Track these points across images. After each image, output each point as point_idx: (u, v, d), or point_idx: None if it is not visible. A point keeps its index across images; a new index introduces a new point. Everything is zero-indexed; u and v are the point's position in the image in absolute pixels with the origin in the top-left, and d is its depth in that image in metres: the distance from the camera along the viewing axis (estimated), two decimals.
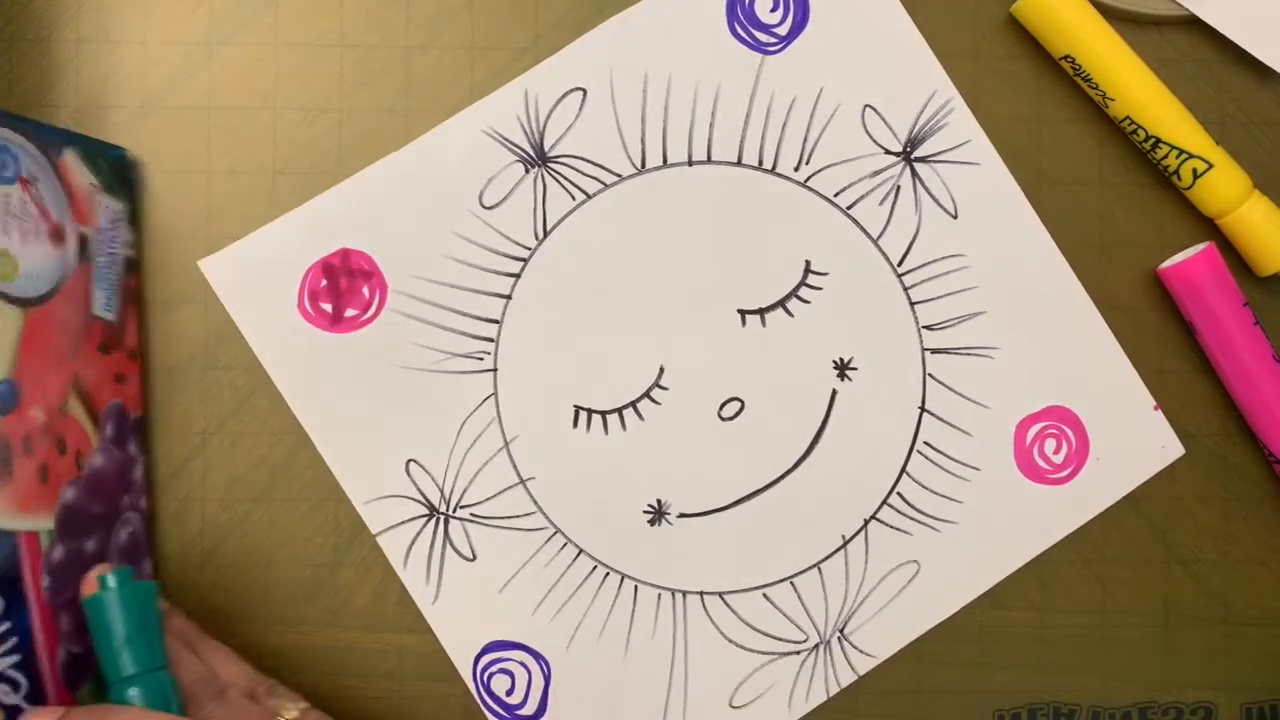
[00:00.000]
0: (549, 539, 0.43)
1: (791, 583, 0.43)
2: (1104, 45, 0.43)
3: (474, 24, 0.44)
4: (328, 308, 0.43)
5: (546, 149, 0.43)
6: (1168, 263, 0.44)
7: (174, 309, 0.43)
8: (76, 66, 0.43)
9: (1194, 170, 0.43)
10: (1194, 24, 0.44)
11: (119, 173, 0.42)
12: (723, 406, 0.43)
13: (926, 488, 0.44)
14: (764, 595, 0.43)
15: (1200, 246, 0.43)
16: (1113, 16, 0.43)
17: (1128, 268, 0.45)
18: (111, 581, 0.35)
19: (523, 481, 0.43)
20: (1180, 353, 0.45)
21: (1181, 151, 0.43)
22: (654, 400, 0.43)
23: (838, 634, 0.43)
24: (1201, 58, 0.44)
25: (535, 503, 0.43)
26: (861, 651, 0.43)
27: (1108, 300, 0.44)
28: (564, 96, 0.43)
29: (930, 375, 0.44)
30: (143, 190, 0.43)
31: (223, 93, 0.44)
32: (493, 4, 0.44)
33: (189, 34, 0.44)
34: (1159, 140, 0.43)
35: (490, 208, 0.43)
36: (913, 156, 0.44)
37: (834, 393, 0.44)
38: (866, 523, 0.44)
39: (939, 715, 0.44)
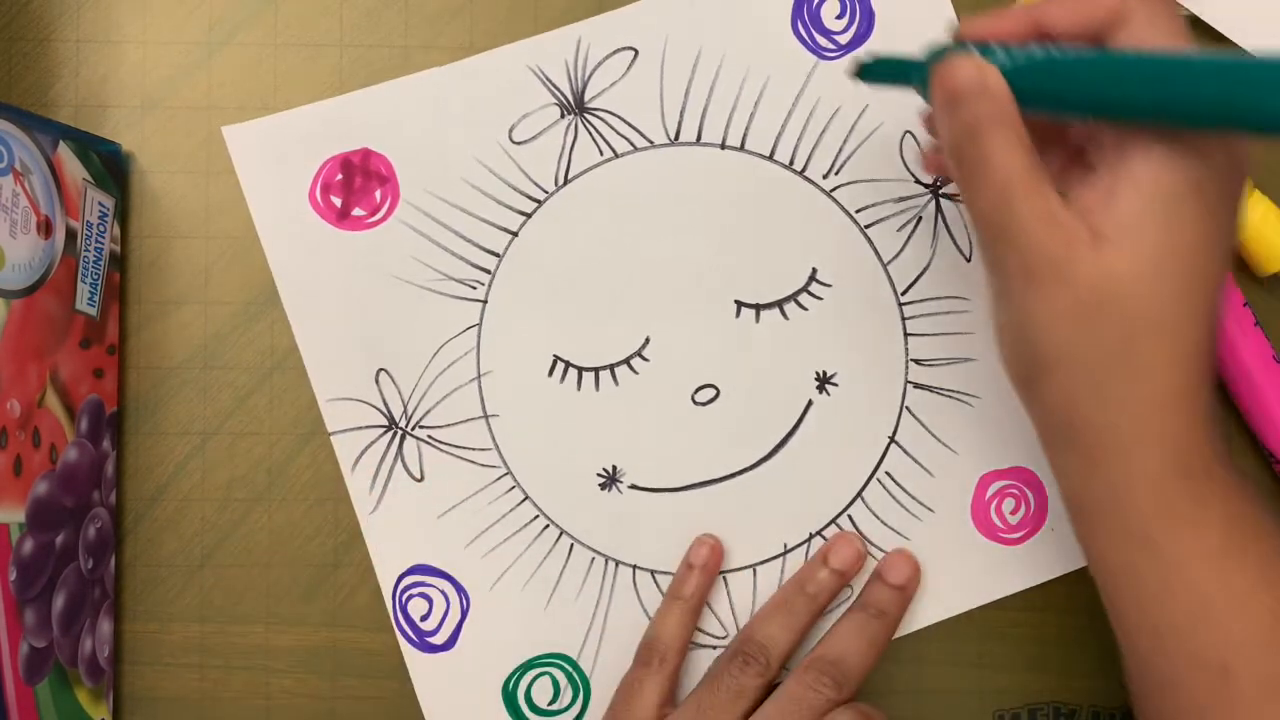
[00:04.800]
0: (498, 478, 0.43)
1: (724, 577, 0.43)
2: None
3: (474, 24, 0.44)
4: (337, 202, 0.43)
5: (586, 99, 0.43)
6: None
7: (174, 309, 0.43)
8: (76, 66, 0.43)
9: None
10: (1194, 24, 0.44)
11: (111, 167, 0.42)
12: (698, 391, 0.43)
13: (878, 517, 0.43)
14: None
15: None
16: None
17: None
18: None
19: (486, 416, 0.43)
20: None
21: None
22: (632, 369, 0.43)
23: None
24: None
25: (494, 440, 0.43)
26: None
27: None
28: (615, 52, 0.43)
29: (907, 408, 0.44)
30: (133, 185, 0.43)
31: (223, 93, 0.44)
32: (492, 4, 0.44)
33: (189, 34, 0.44)
34: None
35: (518, 143, 0.43)
36: (941, 191, 0.44)
37: (809, 403, 0.43)
38: (811, 536, 0.43)
39: (939, 715, 0.44)
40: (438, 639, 0.43)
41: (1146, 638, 0.34)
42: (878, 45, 0.44)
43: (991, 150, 0.31)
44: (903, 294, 0.44)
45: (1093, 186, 0.31)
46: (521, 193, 0.43)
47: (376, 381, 0.43)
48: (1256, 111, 0.28)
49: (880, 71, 0.37)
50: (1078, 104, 0.32)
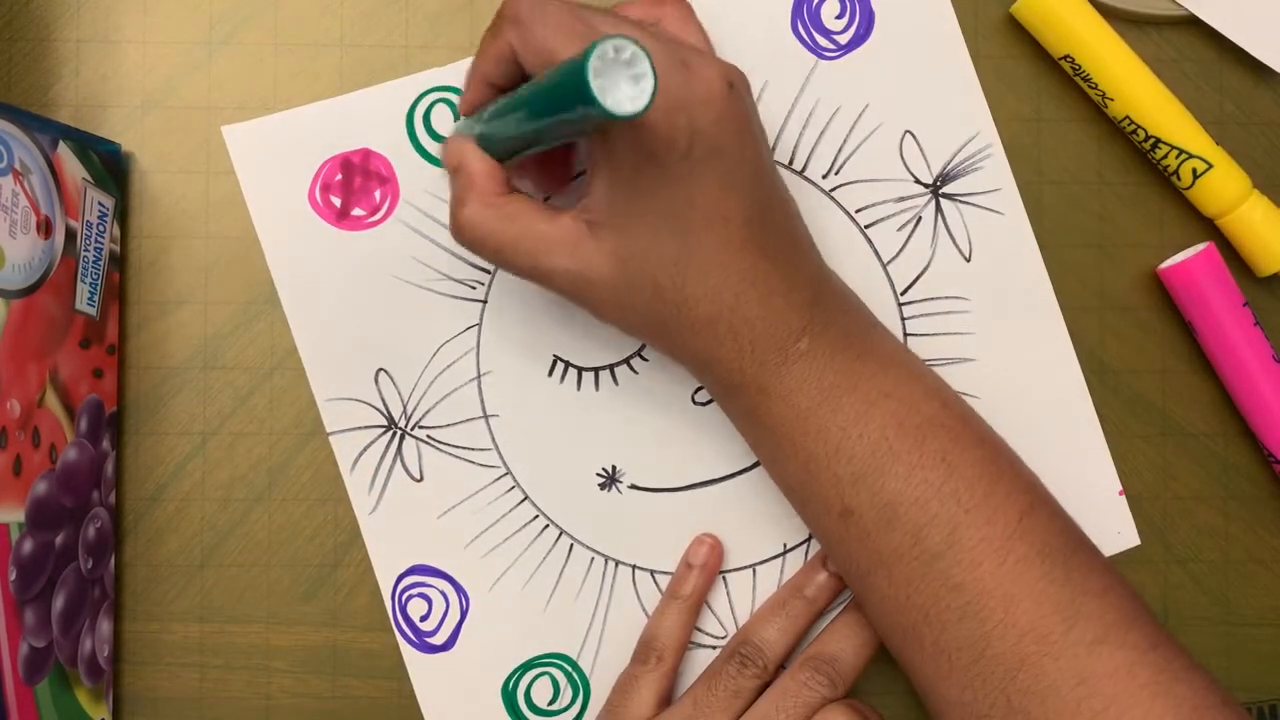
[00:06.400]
0: (498, 479, 0.43)
1: (724, 577, 0.43)
2: (1104, 45, 0.43)
3: (474, 24, 0.44)
4: (337, 202, 0.43)
5: None
6: (1168, 263, 0.44)
7: (174, 309, 0.43)
8: (76, 66, 0.43)
9: (1194, 170, 0.43)
10: (1194, 24, 0.44)
11: (110, 167, 0.42)
12: (698, 391, 0.43)
13: None
14: None
15: (1200, 246, 0.43)
16: (1113, 16, 0.43)
17: (1128, 268, 0.45)
18: None
19: (486, 416, 0.43)
20: (1180, 353, 0.45)
21: (1181, 151, 0.43)
22: (632, 369, 0.43)
23: None
24: (1201, 58, 0.44)
25: (493, 440, 0.43)
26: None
27: (1108, 300, 0.44)
28: None
29: None
30: (133, 185, 0.43)
31: (223, 93, 0.44)
32: (493, 4, 0.44)
33: (189, 34, 0.44)
34: (1159, 140, 0.43)
35: None
36: (941, 191, 0.44)
37: None
38: (811, 537, 0.43)
39: None
40: (437, 639, 0.43)
41: (790, 495, 0.39)
42: (875, 48, 0.44)
43: (469, 218, 0.36)
44: (902, 294, 0.44)
45: (586, 186, 0.36)
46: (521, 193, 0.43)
47: (376, 381, 0.43)
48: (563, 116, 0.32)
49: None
50: (520, 143, 0.36)
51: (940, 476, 0.36)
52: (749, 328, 0.36)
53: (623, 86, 0.29)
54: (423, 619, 0.43)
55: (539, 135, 0.35)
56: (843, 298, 0.39)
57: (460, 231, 0.37)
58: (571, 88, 0.30)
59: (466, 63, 0.43)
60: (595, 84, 0.29)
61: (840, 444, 0.36)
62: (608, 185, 0.35)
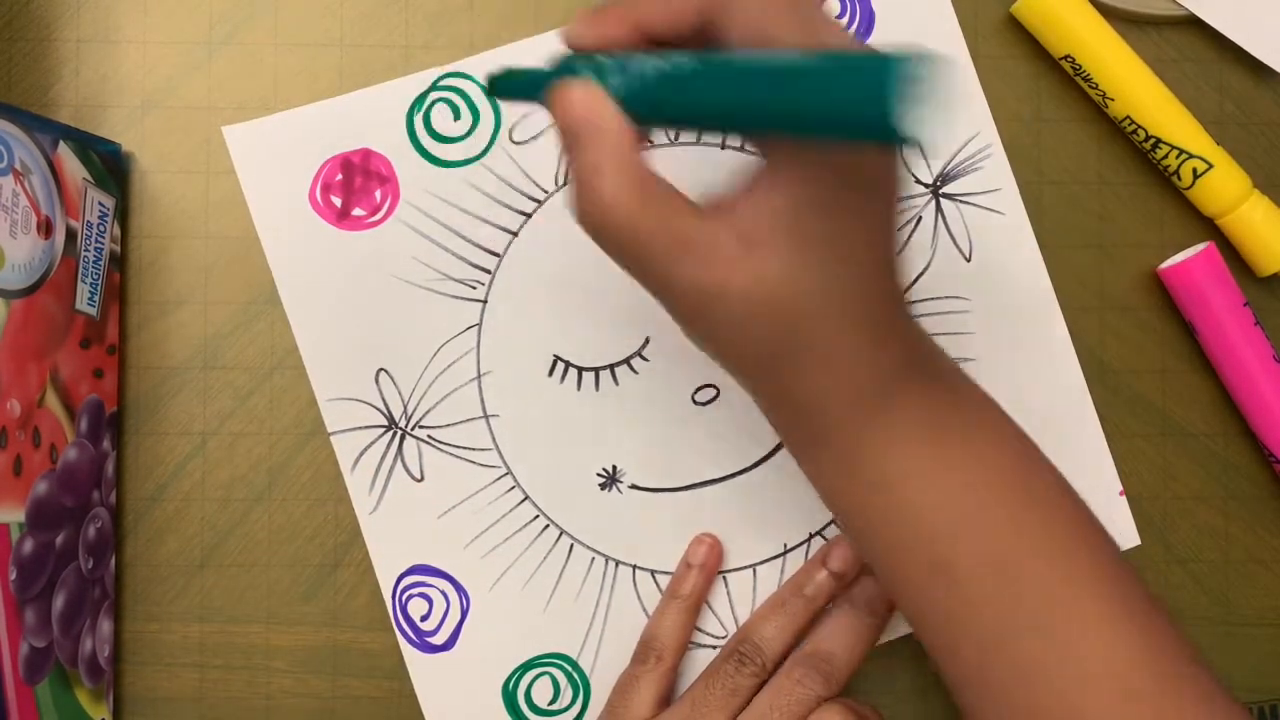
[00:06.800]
0: (498, 479, 0.43)
1: (724, 577, 0.43)
2: (1104, 45, 0.43)
3: (474, 24, 0.44)
4: (337, 202, 0.43)
5: None
6: (1168, 263, 0.44)
7: (174, 309, 0.43)
8: (76, 66, 0.43)
9: (1194, 170, 0.43)
10: (1194, 24, 0.44)
11: (111, 167, 0.42)
12: (698, 391, 0.43)
13: None
14: None
15: (1200, 246, 0.43)
16: (1113, 16, 0.43)
17: (1128, 268, 0.45)
18: None
19: (486, 416, 0.43)
20: (1180, 353, 0.45)
21: (1181, 151, 0.43)
22: (633, 369, 0.43)
23: None
24: (1201, 58, 0.44)
25: (494, 440, 0.43)
26: None
27: (1108, 300, 0.44)
28: None
29: None
30: (133, 185, 0.43)
31: (223, 93, 0.44)
32: (493, 4, 0.44)
33: (189, 34, 0.44)
34: (1159, 140, 0.43)
35: (518, 143, 0.43)
36: (941, 191, 0.44)
37: None
38: (811, 536, 0.43)
39: (939, 715, 0.44)
40: (438, 639, 0.43)
41: (871, 545, 0.35)
42: (878, 45, 0.44)
43: (612, 195, 0.30)
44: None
45: (748, 185, 0.30)
46: (521, 193, 0.43)
47: (376, 381, 0.43)
48: (803, 118, 0.27)
49: (510, 86, 0.33)
50: (693, 122, 0.31)
51: (1031, 537, 0.33)
52: (865, 374, 0.32)
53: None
54: (423, 619, 0.43)
55: (733, 127, 0.30)
56: (939, 354, 0.36)
57: (596, 209, 0.30)
58: (857, 108, 0.25)
59: (467, 61, 0.43)
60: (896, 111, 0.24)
61: (932, 498, 0.33)
62: (790, 204, 0.29)
